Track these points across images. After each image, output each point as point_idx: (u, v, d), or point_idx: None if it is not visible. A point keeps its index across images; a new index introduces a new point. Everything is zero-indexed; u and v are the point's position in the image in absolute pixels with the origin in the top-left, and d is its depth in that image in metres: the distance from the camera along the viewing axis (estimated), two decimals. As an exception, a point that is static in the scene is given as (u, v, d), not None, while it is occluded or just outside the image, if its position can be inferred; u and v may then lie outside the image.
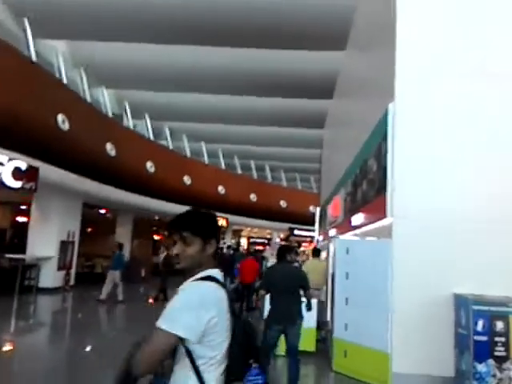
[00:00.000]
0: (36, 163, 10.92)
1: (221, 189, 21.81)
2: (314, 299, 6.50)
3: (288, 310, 5.12)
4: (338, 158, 12.21)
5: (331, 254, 7.09)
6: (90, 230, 19.00)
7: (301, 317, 5.20)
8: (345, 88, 12.03)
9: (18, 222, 19.13)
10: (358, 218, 7.08)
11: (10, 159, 9.94)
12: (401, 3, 5.14)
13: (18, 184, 10.23)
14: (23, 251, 14.00)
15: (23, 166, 10.30)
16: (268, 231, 28.40)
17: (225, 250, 15.73)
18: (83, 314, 11.20)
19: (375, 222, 5.63)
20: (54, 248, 13.81)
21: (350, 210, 8.34)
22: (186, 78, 17.86)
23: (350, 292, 6.20)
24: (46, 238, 13.76)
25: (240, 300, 11.98)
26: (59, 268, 14.02)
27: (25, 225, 18.65)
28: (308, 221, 26.44)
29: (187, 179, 19.73)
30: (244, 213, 23.11)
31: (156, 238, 22.95)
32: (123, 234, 18.55)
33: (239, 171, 25.12)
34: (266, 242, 35.13)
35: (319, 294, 7.19)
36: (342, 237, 8.55)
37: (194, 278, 1.85)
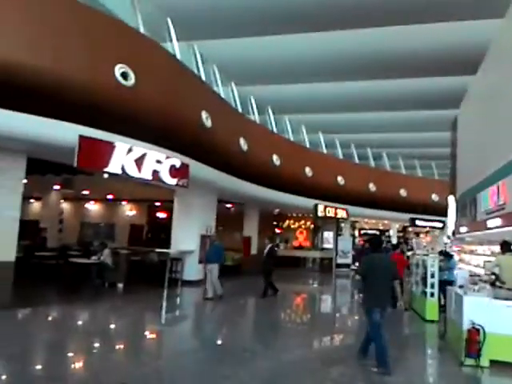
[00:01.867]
0: (185, 160, 11.33)
1: (340, 179, 21.13)
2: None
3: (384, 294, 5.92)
4: (498, 137, 10.90)
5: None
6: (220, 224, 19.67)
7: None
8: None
9: (157, 218, 20.38)
10: None
11: (167, 157, 10.33)
12: None
13: (173, 181, 10.60)
14: (162, 246, 14.83)
15: (177, 163, 10.67)
16: (386, 222, 27.03)
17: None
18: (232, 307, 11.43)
19: None
20: (196, 242, 14.33)
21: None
22: (299, 68, 17.53)
23: None
24: (189, 233, 14.34)
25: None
26: (200, 261, 14.55)
27: (163, 221, 19.94)
28: (430, 210, 24.74)
29: (309, 171, 19.39)
30: (363, 203, 22.18)
31: (277, 231, 23.07)
32: (250, 228, 18.84)
33: (356, 160, 24.17)
34: (379, 233, 33.79)
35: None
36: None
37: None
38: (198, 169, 11.92)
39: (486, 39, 13.14)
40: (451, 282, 10.19)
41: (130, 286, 12.72)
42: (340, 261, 21.65)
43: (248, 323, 10.00)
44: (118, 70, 9.16)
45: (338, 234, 22.65)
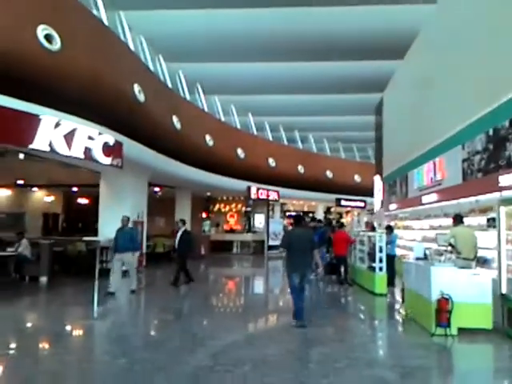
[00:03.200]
0: (118, 138, 10.21)
1: (271, 161, 21.04)
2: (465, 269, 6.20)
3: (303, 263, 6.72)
4: (430, 118, 11.39)
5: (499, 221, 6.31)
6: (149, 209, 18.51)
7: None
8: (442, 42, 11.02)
9: (76, 205, 18.57)
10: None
11: (99, 133, 9.19)
12: None
13: (107, 160, 9.50)
14: (82, 236, 13.55)
15: (111, 140, 9.58)
16: (313, 203, 27.68)
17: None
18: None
19: None
20: (127, 229, 13.23)
21: (490, 170, 7.62)
22: (229, 46, 17.03)
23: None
24: (119, 219, 13.13)
25: (333, 273, 11.44)
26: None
27: (84, 207, 18.23)
28: (353, 190, 25.79)
29: (241, 152, 18.97)
30: (293, 185, 22.38)
31: (206, 215, 22.37)
32: (182, 212, 17.95)
33: (285, 143, 24.27)
34: (302, 214, 34.64)
35: (469, 264, 6.45)
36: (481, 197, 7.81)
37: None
38: (130, 147, 10.86)
39: (414, 25, 13.68)
40: (393, 256, 10.56)
41: (55, 279, 11.32)
42: (271, 243, 21.65)
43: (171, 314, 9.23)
44: (41, 31, 7.85)
45: (268, 217, 22.61)
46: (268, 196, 20.80)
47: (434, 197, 10.76)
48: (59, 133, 8.05)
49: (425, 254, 7.32)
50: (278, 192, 21.49)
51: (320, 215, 29.48)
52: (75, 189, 18.35)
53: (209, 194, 21.14)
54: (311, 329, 6.44)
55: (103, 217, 13.29)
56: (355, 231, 12.00)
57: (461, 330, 5.99)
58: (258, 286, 13.44)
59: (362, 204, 26.41)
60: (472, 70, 9.05)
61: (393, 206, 15.49)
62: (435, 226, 10.31)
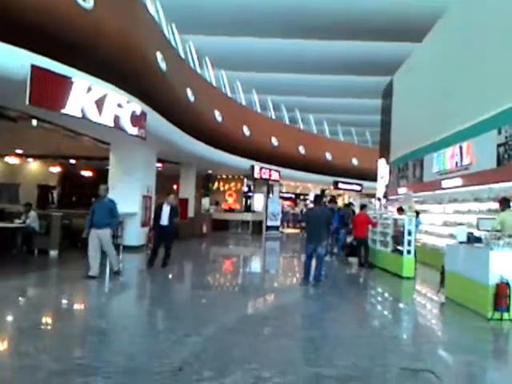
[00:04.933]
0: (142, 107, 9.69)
1: (274, 140, 20.71)
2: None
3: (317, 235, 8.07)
4: (456, 103, 11.28)
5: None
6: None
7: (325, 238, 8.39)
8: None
9: (75, 177, 17.85)
10: None
11: (127, 101, 8.68)
12: None
13: (134, 130, 9.02)
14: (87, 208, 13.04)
15: (138, 110, 9.09)
16: (309, 185, 27.60)
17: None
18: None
19: None
20: (138, 204, 12.80)
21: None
22: (241, 21, 16.54)
23: None
24: (129, 194, 12.67)
25: (353, 255, 11.37)
26: (143, 225, 13.09)
27: (85, 180, 17.52)
28: (351, 173, 25.80)
29: (246, 130, 18.56)
30: (293, 165, 22.16)
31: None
32: (187, 189, 17.54)
33: (287, 122, 23.92)
34: (294, 197, 34.66)
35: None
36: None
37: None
38: (149, 118, 10.33)
39: (424, 9, 13.49)
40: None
41: (64, 253, 10.85)
42: (270, 223, 21.49)
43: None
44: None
45: (268, 197, 22.39)
46: (270, 176, 20.54)
47: (458, 181, 10.75)
48: (91, 98, 7.53)
49: (468, 238, 7.25)
50: (279, 172, 21.24)
51: (311, 198, 29.56)
52: (73, 161, 17.63)
53: (210, 171, 20.70)
54: (351, 305, 6.64)
55: (112, 191, 12.75)
56: (377, 213, 11.87)
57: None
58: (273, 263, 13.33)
59: (359, 187, 26.47)
60: (505, 56, 8.95)
61: (402, 190, 15.51)
62: (462, 211, 10.28)
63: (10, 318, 5.52)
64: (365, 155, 25.68)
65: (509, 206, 7.16)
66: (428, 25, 14.34)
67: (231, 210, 22.24)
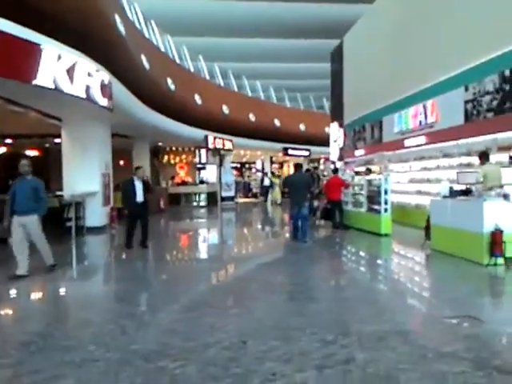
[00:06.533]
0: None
1: (225, 108, 20.25)
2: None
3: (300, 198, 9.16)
4: (417, 63, 11.63)
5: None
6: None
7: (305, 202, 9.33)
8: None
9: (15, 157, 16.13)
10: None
11: (97, 70, 7.90)
12: None
13: (104, 101, 8.28)
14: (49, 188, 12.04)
15: (106, 79, 8.32)
16: (258, 153, 27.53)
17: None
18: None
19: None
20: (98, 182, 11.99)
21: (506, 109, 8.06)
22: None
23: None
24: (87, 172, 11.81)
25: (328, 218, 11.60)
26: (104, 204, 12.34)
27: (40, 158, 15.87)
28: (299, 139, 26.12)
29: (198, 99, 17.92)
30: (244, 133, 21.93)
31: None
32: (141, 164, 16.64)
33: (236, 89, 23.42)
34: (240, 166, 34.53)
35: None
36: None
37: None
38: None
39: None
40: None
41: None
42: (224, 194, 21.30)
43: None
44: None
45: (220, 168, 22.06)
46: (224, 145, 20.18)
47: (422, 139, 11.23)
48: (62, 67, 6.73)
49: (451, 192, 7.65)
50: (231, 141, 20.93)
51: (259, 166, 29.79)
52: (9, 140, 15.96)
53: (160, 144, 19.85)
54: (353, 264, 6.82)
55: (68, 170, 11.81)
56: (347, 175, 12.14)
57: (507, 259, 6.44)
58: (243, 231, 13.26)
59: (307, 153, 26.92)
60: (470, 7, 9.28)
61: (360, 152, 15.96)
62: (430, 167, 10.80)
63: None
64: (311, 120, 26.05)
65: (488, 160, 7.60)
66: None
67: (184, 183, 21.65)
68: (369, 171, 11.88)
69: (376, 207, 10.00)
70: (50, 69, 6.43)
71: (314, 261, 7.75)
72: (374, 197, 10.16)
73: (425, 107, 11.07)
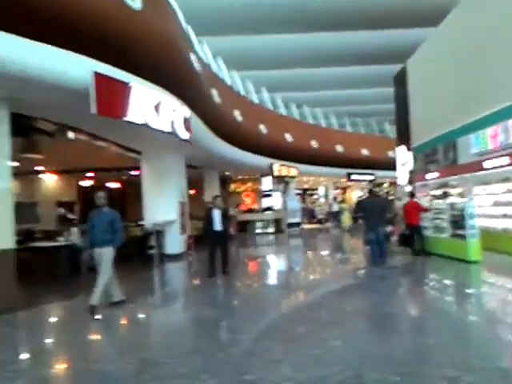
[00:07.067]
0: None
1: (288, 136, 20.46)
2: None
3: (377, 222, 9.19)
4: (494, 83, 11.14)
5: None
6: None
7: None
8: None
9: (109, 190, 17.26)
10: None
11: (180, 105, 8.33)
12: None
13: (186, 135, 8.67)
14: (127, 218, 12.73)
15: (187, 114, 8.74)
16: (321, 179, 27.41)
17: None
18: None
19: None
20: (175, 210, 12.45)
21: None
22: (247, 18, 16.40)
23: None
24: (165, 202, 12.34)
25: (407, 244, 11.13)
26: (182, 232, 12.75)
27: (119, 191, 16.83)
28: (362, 164, 25.69)
29: (263, 128, 18.29)
30: (307, 160, 21.95)
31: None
32: (211, 193, 17.12)
33: (298, 118, 23.72)
34: (302, 192, 34.45)
35: None
36: None
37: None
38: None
39: None
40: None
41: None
42: (290, 220, 21.26)
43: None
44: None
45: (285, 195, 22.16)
46: (289, 173, 20.29)
47: (506, 160, 10.60)
48: (150, 103, 7.18)
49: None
50: (297, 168, 21.01)
51: (322, 192, 29.58)
52: (91, 174, 17.10)
53: (227, 173, 20.37)
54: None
55: (148, 200, 12.39)
56: (423, 200, 11.69)
57: None
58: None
59: (371, 177, 26.36)
60: None
61: (432, 175, 15.33)
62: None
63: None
64: (374, 144, 25.62)
65: None
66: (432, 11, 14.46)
67: (250, 211, 21.91)
68: (446, 194, 11.36)
69: (461, 232, 9.47)
70: (139, 105, 6.86)
71: (404, 289, 7.41)
72: (457, 221, 9.65)
73: (506, 127, 10.49)
